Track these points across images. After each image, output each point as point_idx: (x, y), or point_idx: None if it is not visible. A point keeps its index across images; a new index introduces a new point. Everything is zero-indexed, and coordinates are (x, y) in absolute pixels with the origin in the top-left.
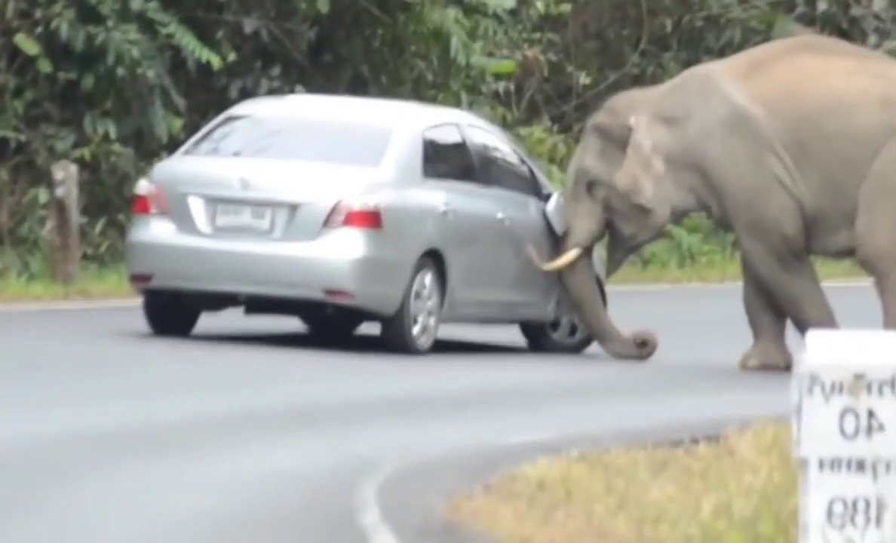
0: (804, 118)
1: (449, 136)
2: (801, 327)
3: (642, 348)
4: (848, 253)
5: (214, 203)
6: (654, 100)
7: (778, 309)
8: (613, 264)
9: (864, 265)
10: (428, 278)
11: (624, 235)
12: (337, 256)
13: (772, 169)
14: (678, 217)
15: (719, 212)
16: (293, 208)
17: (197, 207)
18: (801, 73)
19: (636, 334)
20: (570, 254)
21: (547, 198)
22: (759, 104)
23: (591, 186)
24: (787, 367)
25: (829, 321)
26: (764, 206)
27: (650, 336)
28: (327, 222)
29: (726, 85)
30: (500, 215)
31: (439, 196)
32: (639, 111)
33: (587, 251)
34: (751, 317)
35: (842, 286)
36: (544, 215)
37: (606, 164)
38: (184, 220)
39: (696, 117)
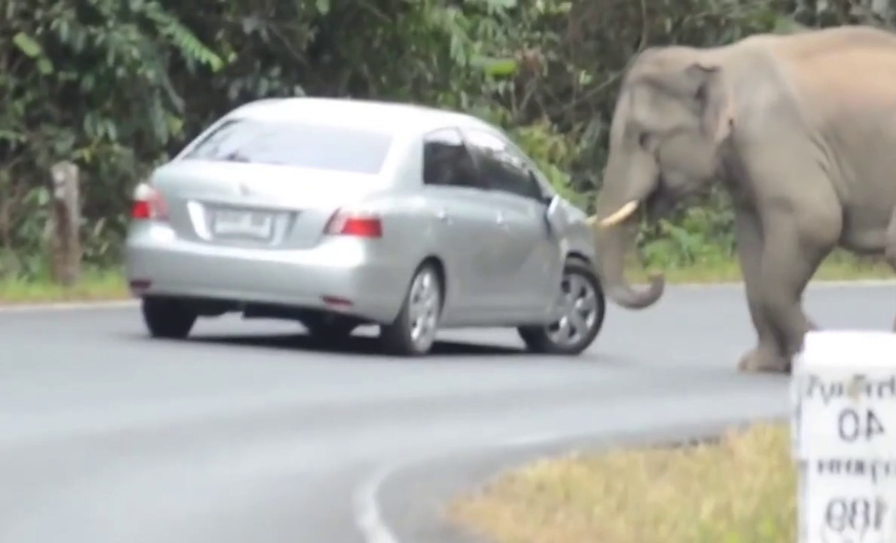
0: (844, 114)
1: (449, 141)
2: (776, 311)
3: (647, 293)
4: (878, 251)
5: (214, 209)
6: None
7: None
8: (655, 215)
9: (890, 257)
10: (426, 279)
11: (670, 187)
12: (336, 264)
13: (813, 154)
14: (714, 180)
15: (745, 191)
16: (293, 215)
17: (196, 213)
18: (849, 68)
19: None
20: (626, 208)
21: (547, 201)
22: (804, 92)
23: (643, 138)
24: (787, 370)
25: (802, 320)
26: (803, 188)
27: (659, 280)
28: (327, 230)
29: (779, 66)
30: (499, 220)
31: (439, 202)
32: (671, 60)
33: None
34: (755, 318)
35: (842, 286)
36: (545, 218)
37: (659, 115)
38: (183, 226)
39: (743, 92)
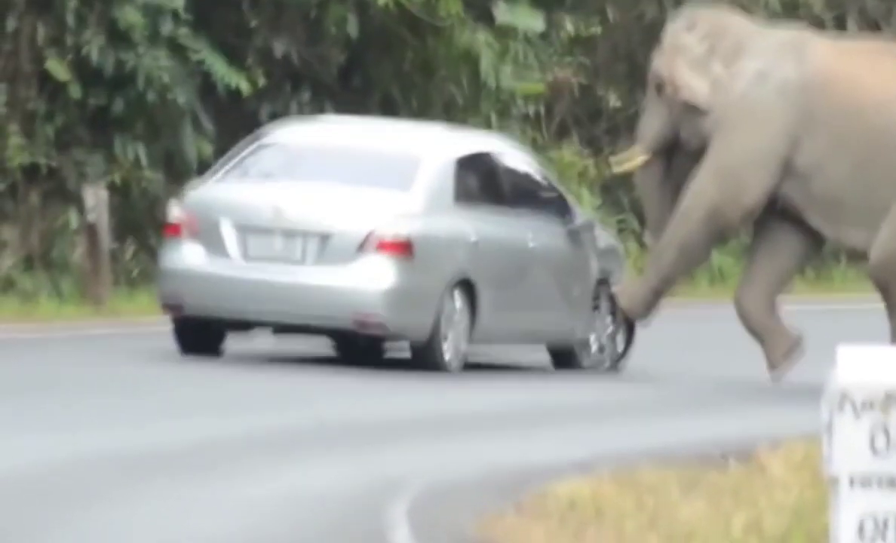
0: (856, 103)
1: (480, 163)
2: (656, 270)
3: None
4: (859, 255)
5: (246, 231)
6: (735, 20)
7: (772, 301)
8: (672, 172)
9: (875, 277)
10: (458, 300)
11: (682, 140)
12: (368, 286)
13: (780, 149)
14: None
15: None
16: (325, 237)
17: (229, 235)
18: (876, 65)
19: None
20: (639, 158)
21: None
22: (823, 72)
23: (659, 88)
24: (800, 339)
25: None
26: (743, 167)
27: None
28: (359, 251)
29: (809, 50)
30: (530, 241)
31: (470, 224)
32: (703, 19)
33: (658, 154)
34: (750, 326)
35: (874, 306)
36: (570, 232)
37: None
38: (216, 248)
39: (764, 57)
